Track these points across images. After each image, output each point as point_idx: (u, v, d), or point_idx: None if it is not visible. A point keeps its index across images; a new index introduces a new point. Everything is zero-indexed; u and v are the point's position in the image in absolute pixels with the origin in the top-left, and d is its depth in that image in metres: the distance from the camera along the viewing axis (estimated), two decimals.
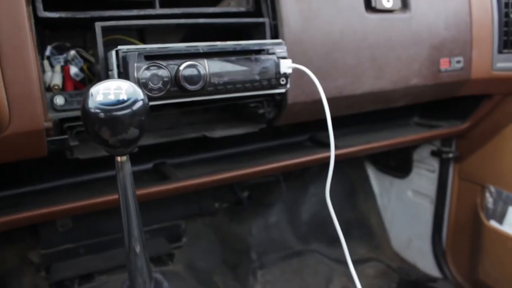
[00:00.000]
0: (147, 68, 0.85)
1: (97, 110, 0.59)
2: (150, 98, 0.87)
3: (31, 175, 1.18)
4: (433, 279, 1.92)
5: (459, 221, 1.81)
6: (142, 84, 0.85)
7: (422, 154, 1.88)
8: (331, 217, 1.78)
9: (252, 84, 0.96)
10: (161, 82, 0.86)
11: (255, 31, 1.12)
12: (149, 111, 0.65)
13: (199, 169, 1.30)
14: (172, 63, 0.87)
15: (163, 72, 0.87)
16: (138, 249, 0.75)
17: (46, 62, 1.04)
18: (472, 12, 1.39)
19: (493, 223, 1.63)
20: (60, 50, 1.10)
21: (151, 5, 1.03)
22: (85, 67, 1.09)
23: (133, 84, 0.63)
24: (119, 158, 0.68)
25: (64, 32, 1.12)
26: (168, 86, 0.87)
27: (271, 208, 1.90)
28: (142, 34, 1.19)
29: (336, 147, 1.42)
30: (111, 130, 0.61)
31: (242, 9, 1.12)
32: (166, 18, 1.04)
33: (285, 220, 1.95)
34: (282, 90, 1.03)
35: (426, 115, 1.73)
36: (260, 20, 1.09)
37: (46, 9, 0.95)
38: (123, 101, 0.60)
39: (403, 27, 1.27)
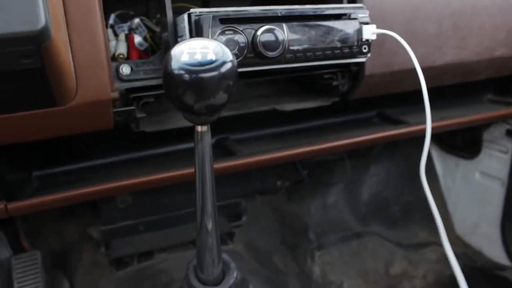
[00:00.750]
0: (222, 33, 0.78)
1: (182, 72, 0.52)
2: None
3: (92, 149, 1.15)
4: (502, 267, 1.80)
5: None
6: None
7: (494, 134, 1.75)
8: (391, 198, 1.68)
9: (332, 52, 0.88)
10: (237, 47, 0.79)
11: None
12: (238, 74, 0.57)
13: (263, 145, 1.23)
14: (249, 28, 0.80)
15: (239, 37, 0.79)
16: (210, 226, 0.70)
17: (109, 31, 0.99)
18: None
19: None
20: (123, 18, 1.04)
21: None
22: (148, 36, 1.04)
23: (221, 44, 0.56)
24: (199, 128, 0.62)
25: (126, 1, 1.06)
26: (245, 52, 0.80)
27: (330, 187, 1.82)
28: (207, 3, 1.12)
29: (406, 124, 1.34)
30: (197, 94, 0.54)
31: None
32: None
33: (344, 200, 1.87)
34: (363, 59, 0.94)
35: (501, 91, 1.60)
36: None
37: None
38: (211, 62, 0.53)
39: None
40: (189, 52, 0.53)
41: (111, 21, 1.02)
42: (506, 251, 1.79)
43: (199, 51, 0.53)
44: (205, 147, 0.64)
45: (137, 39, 1.01)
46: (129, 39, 0.98)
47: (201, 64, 0.53)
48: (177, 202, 1.38)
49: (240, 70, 0.83)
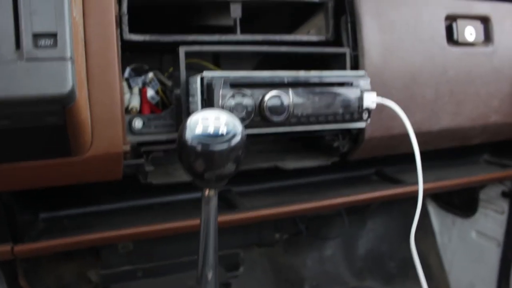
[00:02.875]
0: (232, 96, 0.84)
1: (195, 143, 0.57)
2: None
3: (98, 195, 1.18)
4: None
5: None
6: None
7: (490, 194, 1.79)
8: (387, 253, 1.70)
9: (334, 117, 0.93)
10: (245, 111, 0.84)
11: (333, 61, 1.10)
12: (246, 145, 0.62)
13: (264, 199, 1.27)
14: (257, 92, 0.85)
15: (248, 101, 0.85)
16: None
17: (124, 84, 1.04)
18: None
19: None
20: (138, 71, 1.10)
21: (232, 30, 1.02)
22: (160, 90, 1.09)
23: (232, 116, 0.60)
24: (207, 192, 0.66)
25: (140, 54, 1.12)
26: (252, 116, 0.85)
27: (327, 241, 1.84)
28: (217, 59, 1.18)
29: (404, 184, 1.37)
30: (208, 164, 0.58)
31: (322, 37, 1.10)
32: (246, 44, 1.03)
33: (340, 254, 1.88)
34: (363, 125, 0.99)
35: (497, 153, 1.65)
36: (341, 50, 1.06)
37: (131, 31, 0.95)
38: (222, 135, 0.58)
39: (485, 62, 1.22)
40: (203, 124, 0.58)
41: (126, 74, 1.07)
42: None
43: (212, 123, 0.58)
44: (211, 209, 0.68)
45: (150, 92, 1.06)
46: (142, 93, 1.04)
47: (213, 136, 0.57)
48: (177, 250, 1.40)
49: (247, 132, 0.88)
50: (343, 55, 1.05)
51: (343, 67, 1.06)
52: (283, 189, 1.34)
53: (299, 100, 0.89)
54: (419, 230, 2.05)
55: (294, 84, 0.90)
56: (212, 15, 1.16)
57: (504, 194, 1.69)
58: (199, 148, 0.58)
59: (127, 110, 1.00)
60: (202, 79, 0.86)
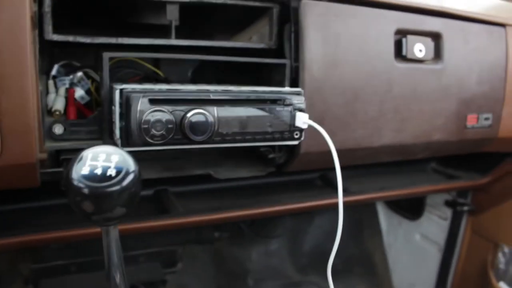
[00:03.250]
0: (151, 113, 0.79)
1: (81, 184, 0.54)
2: (151, 144, 0.81)
3: (25, 192, 1.14)
4: None
5: (466, 275, 1.74)
6: (144, 130, 0.79)
7: (436, 200, 1.80)
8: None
9: (263, 136, 0.89)
10: (164, 129, 0.80)
11: (274, 70, 1.06)
12: (141, 184, 0.59)
13: (202, 201, 1.24)
14: (179, 109, 0.81)
15: (168, 118, 0.80)
16: None
17: (51, 83, 0.99)
18: (508, 68, 1.31)
19: (502, 286, 1.55)
20: (68, 68, 1.05)
21: (167, 32, 0.97)
22: (92, 89, 1.04)
23: (124, 154, 0.57)
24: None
25: (75, 50, 1.06)
26: (172, 134, 0.81)
27: (271, 236, 1.84)
28: (157, 60, 1.13)
29: (348, 192, 1.36)
30: (95, 207, 0.55)
31: (263, 45, 1.05)
32: (180, 49, 0.98)
33: (286, 249, 1.88)
34: (295, 143, 0.96)
35: (444, 162, 1.65)
36: (281, 61, 1.02)
37: (56, 30, 0.89)
38: (111, 176, 0.54)
39: (432, 79, 1.19)
40: (90, 164, 0.54)
41: (54, 72, 1.02)
42: None
43: (100, 164, 0.54)
44: (111, 241, 0.64)
45: (79, 92, 1.01)
46: (69, 94, 0.98)
47: (100, 179, 0.54)
48: None
49: (166, 148, 0.85)
50: (283, 65, 1.02)
51: (283, 78, 1.02)
52: (223, 191, 1.32)
53: (225, 118, 0.85)
54: (368, 228, 2.08)
55: (221, 101, 0.86)
56: (152, 13, 1.10)
57: (447, 203, 1.71)
58: (85, 190, 0.54)
59: (50, 112, 0.95)
60: (121, 91, 0.81)
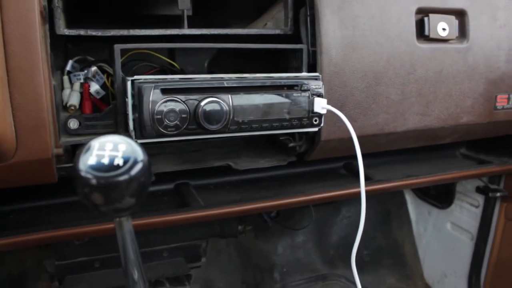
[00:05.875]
0: (164, 103, 0.77)
1: (88, 175, 0.52)
2: (165, 135, 0.79)
3: (46, 188, 1.13)
4: None
5: (501, 263, 1.67)
6: (157, 121, 0.77)
7: (467, 187, 1.74)
8: (361, 241, 1.67)
9: (281, 124, 0.87)
10: (178, 119, 0.78)
11: (291, 56, 1.03)
12: (150, 172, 0.56)
13: (224, 193, 1.22)
14: (192, 98, 0.79)
15: (182, 108, 0.79)
16: None
17: (66, 78, 0.98)
18: None
19: None
20: (83, 63, 1.04)
21: (180, 22, 0.95)
22: (108, 83, 1.03)
23: (131, 143, 0.55)
24: (117, 218, 0.61)
25: (89, 45, 1.05)
26: (186, 124, 0.79)
27: (295, 228, 1.81)
28: (172, 50, 1.11)
29: (373, 181, 1.32)
30: (103, 198, 0.53)
31: (278, 31, 1.02)
32: (194, 39, 0.96)
33: (313, 241, 1.85)
34: (315, 129, 0.93)
35: (474, 147, 1.59)
36: (298, 46, 0.99)
37: (68, 24, 0.89)
38: (118, 167, 0.52)
39: (458, 59, 1.14)
40: (97, 154, 0.53)
41: (68, 67, 1.01)
42: None
43: (107, 153, 0.53)
44: (125, 234, 0.63)
45: (94, 87, 1.00)
46: (84, 89, 0.98)
47: (107, 169, 0.52)
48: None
49: (181, 138, 0.83)
50: (300, 51, 0.98)
51: (300, 63, 0.99)
52: (245, 183, 1.29)
53: (240, 105, 0.83)
54: (396, 219, 2.03)
55: (235, 88, 0.83)
56: (164, 4, 1.08)
57: (479, 190, 1.65)
58: (93, 180, 0.52)
59: (66, 107, 0.94)
60: (133, 82, 0.80)
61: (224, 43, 0.96)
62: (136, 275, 0.67)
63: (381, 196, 1.93)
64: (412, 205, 2.01)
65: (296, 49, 0.99)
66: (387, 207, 1.97)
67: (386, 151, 1.46)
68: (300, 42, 1.01)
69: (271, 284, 1.73)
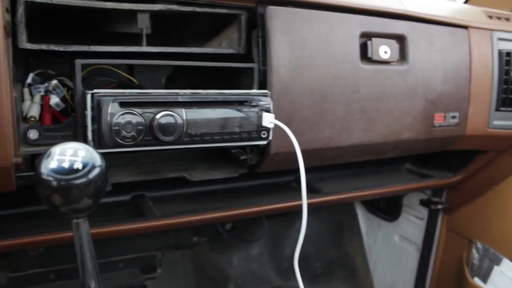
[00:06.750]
0: (122, 115, 0.83)
1: (49, 178, 0.57)
2: (122, 146, 0.84)
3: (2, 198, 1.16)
4: None
5: (443, 272, 1.78)
6: (115, 132, 0.82)
7: (412, 200, 1.85)
8: (314, 253, 1.75)
9: (231, 136, 0.93)
10: (135, 130, 0.84)
11: (243, 74, 1.10)
12: (107, 177, 0.62)
13: (179, 204, 1.27)
14: (148, 111, 0.85)
15: (138, 120, 0.84)
16: None
17: (26, 90, 1.01)
18: (472, 68, 1.36)
19: (477, 281, 1.59)
20: (44, 77, 1.08)
21: (139, 39, 1.01)
22: (68, 96, 1.07)
23: (90, 149, 0.60)
24: (74, 219, 0.66)
25: (50, 59, 1.10)
26: (142, 135, 0.84)
27: (252, 240, 1.87)
28: (131, 67, 1.16)
29: (322, 193, 1.40)
30: (63, 199, 0.58)
31: (232, 50, 1.09)
32: (152, 56, 1.02)
33: (267, 253, 1.91)
34: (264, 142, 1.00)
35: (417, 162, 1.70)
36: (249, 65, 1.06)
37: (31, 38, 0.93)
38: (78, 169, 0.58)
39: (398, 80, 1.24)
40: (58, 159, 0.58)
41: (29, 80, 1.04)
42: None
43: (68, 158, 0.58)
44: (82, 236, 0.67)
45: (54, 100, 1.04)
46: (44, 101, 1.01)
47: (67, 172, 0.57)
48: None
49: (137, 149, 0.88)
50: (251, 69, 1.06)
51: (251, 81, 1.07)
52: (200, 195, 1.34)
53: (193, 119, 0.89)
54: (348, 231, 2.12)
55: (189, 103, 0.89)
56: (124, 22, 1.14)
57: (422, 203, 1.75)
58: (54, 183, 0.57)
59: (26, 119, 0.98)
60: (92, 95, 0.85)
61: (181, 61, 1.02)
62: (93, 284, 0.72)
63: (333, 210, 2.02)
64: (363, 218, 2.11)
65: (247, 68, 1.06)
66: (339, 220, 2.06)
67: (335, 166, 1.55)
68: (252, 61, 1.08)
69: None
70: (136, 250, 1.43)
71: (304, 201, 0.91)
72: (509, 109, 1.43)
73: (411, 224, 1.87)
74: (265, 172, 1.40)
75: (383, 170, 1.65)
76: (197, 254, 1.75)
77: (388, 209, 1.95)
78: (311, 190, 1.43)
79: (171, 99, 0.88)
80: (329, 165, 1.46)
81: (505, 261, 1.51)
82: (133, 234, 1.26)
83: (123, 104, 0.83)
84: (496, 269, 1.54)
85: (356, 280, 2.04)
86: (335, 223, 2.06)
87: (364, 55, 1.19)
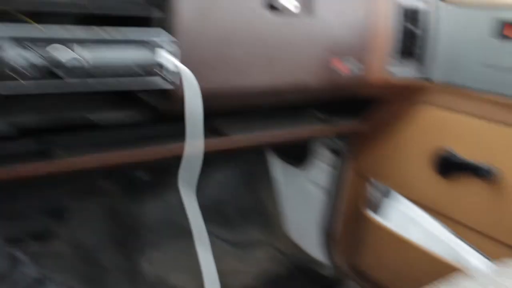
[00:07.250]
0: (11, 48, 0.81)
1: None
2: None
3: None
4: (321, 266, 2.02)
5: (348, 212, 1.91)
6: (8, 68, 0.81)
7: (321, 147, 1.96)
8: (228, 200, 1.80)
9: (130, 78, 0.94)
10: (27, 64, 0.83)
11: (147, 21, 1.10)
12: None
13: (89, 150, 1.26)
14: (40, 46, 0.84)
15: (30, 55, 0.83)
16: None
17: None
18: (372, 18, 1.44)
19: (368, 212, 1.75)
20: None
21: None
22: None
23: None
24: None
25: None
26: (37, 73, 0.83)
27: (169, 187, 1.91)
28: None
29: (230, 136, 1.45)
30: None
31: None
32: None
33: (181, 201, 1.95)
34: (168, 85, 1.02)
35: (325, 110, 1.79)
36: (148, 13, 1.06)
37: None
38: None
39: (301, 28, 1.29)
40: None
41: None
42: (327, 251, 2.02)
43: None
44: None
45: None
46: None
47: None
48: None
49: (33, 92, 0.87)
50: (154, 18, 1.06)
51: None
52: (111, 141, 1.34)
53: (86, 56, 0.88)
54: (261, 178, 2.20)
55: (82, 41, 0.89)
56: None
57: (331, 149, 1.87)
58: None
59: None
60: None
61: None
62: None
63: (245, 157, 2.09)
64: (275, 165, 2.20)
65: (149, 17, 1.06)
66: (252, 168, 2.14)
67: (243, 113, 1.60)
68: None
69: (139, 242, 1.81)
70: (45, 196, 1.42)
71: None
72: (405, 58, 1.54)
73: (320, 170, 1.98)
74: (175, 117, 1.42)
75: (294, 118, 1.72)
76: (111, 201, 1.76)
77: (298, 156, 2.05)
78: (218, 134, 1.48)
79: (66, 35, 0.87)
80: (240, 113, 1.51)
81: (393, 193, 1.69)
82: (40, 179, 1.25)
83: (14, 39, 0.82)
84: (384, 200, 1.71)
85: (268, 224, 2.15)
86: (249, 170, 2.13)
87: (269, 3, 1.22)
